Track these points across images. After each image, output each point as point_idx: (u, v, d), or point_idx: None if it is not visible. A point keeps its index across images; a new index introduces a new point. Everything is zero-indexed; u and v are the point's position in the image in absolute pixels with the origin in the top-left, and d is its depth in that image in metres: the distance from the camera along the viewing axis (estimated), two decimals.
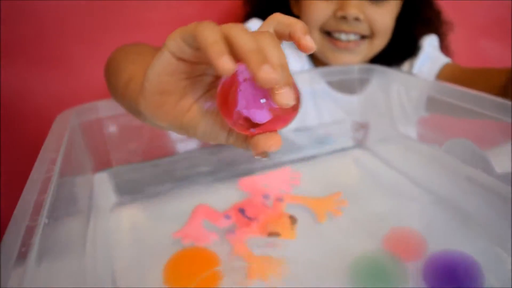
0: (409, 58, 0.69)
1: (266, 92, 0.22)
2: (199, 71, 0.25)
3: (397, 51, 0.67)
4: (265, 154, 0.24)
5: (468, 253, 0.37)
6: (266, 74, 0.19)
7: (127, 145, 0.50)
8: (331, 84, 0.66)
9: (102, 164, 0.50)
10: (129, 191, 0.51)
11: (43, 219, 0.26)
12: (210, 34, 0.20)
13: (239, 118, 0.23)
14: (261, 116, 0.23)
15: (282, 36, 0.24)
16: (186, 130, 0.26)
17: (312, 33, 0.62)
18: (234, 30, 0.20)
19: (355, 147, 0.61)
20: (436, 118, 0.60)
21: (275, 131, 0.24)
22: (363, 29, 0.60)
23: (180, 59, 0.23)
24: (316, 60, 0.68)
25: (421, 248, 0.39)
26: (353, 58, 0.63)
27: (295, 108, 0.23)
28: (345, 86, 0.64)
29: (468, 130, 0.48)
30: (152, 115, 0.26)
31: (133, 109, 0.31)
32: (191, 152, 0.54)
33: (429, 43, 0.67)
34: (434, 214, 0.45)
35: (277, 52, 0.20)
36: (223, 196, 0.49)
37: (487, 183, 0.41)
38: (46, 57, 0.74)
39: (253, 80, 0.20)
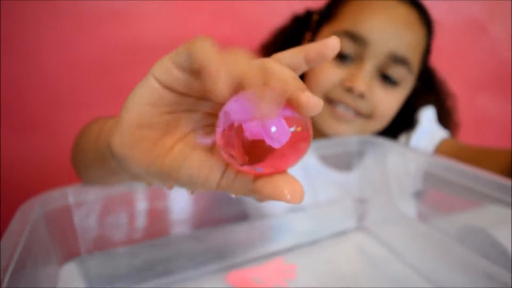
0: (406, 131, 0.66)
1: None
2: (186, 105, 0.21)
3: (394, 123, 0.64)
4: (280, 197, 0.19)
5: None
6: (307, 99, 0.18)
7: (99, 231, 0.44)
8: (326, 159, 0.62)
9: (71, 254, 0.44)
10: (102, 284, 0.44)
11: None
12: (212, 50, 0.18)
13: (241, 143, 0.18)
14: (280, 130, 0.17)
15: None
16: (167, 174, 0.21)
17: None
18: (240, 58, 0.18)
19: (355, 229, 0.56)
20: (436, 193, 0.55)
21: (284, 169, 0.19)
22: (364, 108, 0.57)
23: (166, 87, 0.20)
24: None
25: None
26: (349, 129, 0.59)
27: (308, 133, 0.19)
28: (341, 161, 0.60)
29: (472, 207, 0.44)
30: (127, 156, 0.21)
31: (105, 164, 0.27)
32: (173, 238, 0.48)
33: (427, 116, 0.65)
34: None
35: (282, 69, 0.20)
36: None
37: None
38: (26, 123, 0.71)
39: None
